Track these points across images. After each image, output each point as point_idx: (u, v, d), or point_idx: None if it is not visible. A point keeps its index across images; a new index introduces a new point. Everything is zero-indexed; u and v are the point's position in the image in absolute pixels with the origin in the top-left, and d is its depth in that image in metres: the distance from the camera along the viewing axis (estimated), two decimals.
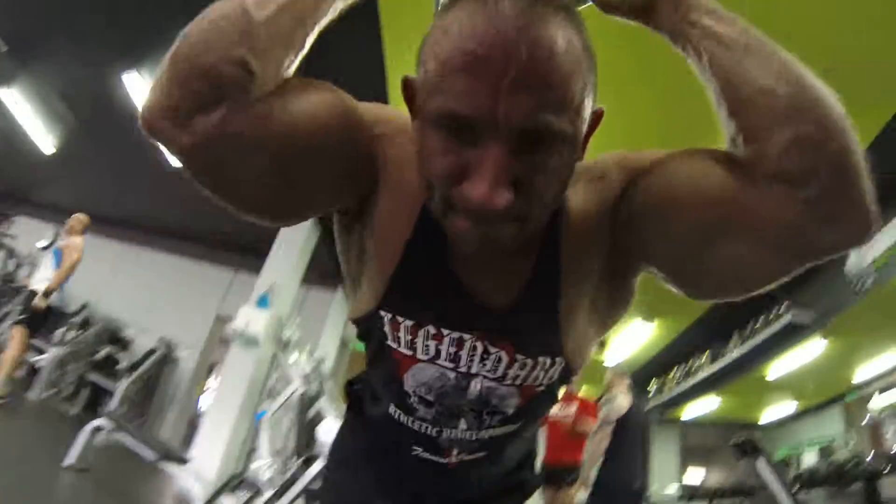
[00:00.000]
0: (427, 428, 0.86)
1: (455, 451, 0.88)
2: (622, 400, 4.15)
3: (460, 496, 0.98)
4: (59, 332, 5.96)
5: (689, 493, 9.45)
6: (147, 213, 7.32)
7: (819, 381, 7.90)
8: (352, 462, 1.05)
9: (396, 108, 0.78)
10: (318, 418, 5.43)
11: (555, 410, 4.54)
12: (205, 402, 8.10)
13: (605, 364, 8.84)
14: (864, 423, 7.52)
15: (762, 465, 3.72)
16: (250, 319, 5.65)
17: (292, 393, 5.45)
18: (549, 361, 0.80)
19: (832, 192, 0.58)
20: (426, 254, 0.75)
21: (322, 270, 7.27)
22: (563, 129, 0.58)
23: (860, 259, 4.63)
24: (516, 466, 1.01)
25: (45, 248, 5.16)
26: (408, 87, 0.68)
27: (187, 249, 7.64)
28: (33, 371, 5.94)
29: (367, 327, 0.83)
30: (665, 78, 3.45)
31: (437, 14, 0.65)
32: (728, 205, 0.63)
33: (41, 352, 5.68)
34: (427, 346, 0.78)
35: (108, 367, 6.31)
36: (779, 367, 7.55)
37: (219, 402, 5.68)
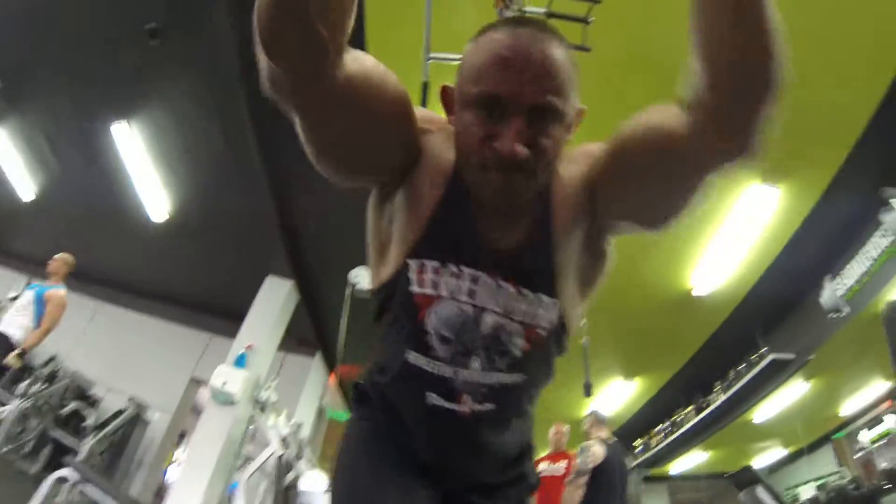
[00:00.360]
0: (443, 368, 0.99)
1: (467, 398, 1.00)
2: (597, 449, 4.01)
3: (472, 464, 1.07)
4: (23, 385, 5.63)
5: None
6: (125, 271, 7.16)
7: (806, 422, 7.91)
8: (366, 438, 1.11)
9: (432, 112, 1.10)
10: (295, 485, 5.23)
11: (544, 466, 4.45)
12: (173, 473, 7.71)
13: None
14: (856, 456, 7.46)
15: (762, 493, 3.66)
16: (227, 378, 5.51)
17: (270, 455, 5.27)
18: (548, 301, 1.00)
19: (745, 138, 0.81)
20: (453, 209, 0.98)
21: (300, 337, 7.23)
22: (560, 107, 0.88)
23: (832, 291, 4.76)
24: (518, 454, 1.13)
25: (13, 299, 4.80)
26: (446, 92, 0.98)
27: (164, 311, 7.45)
28: None
29: (391, 286, 1.02)
30: (661, 77, 3.61)
31: (471, 40, 0.94)
32: (668, 141, 0.87)
33: (2, 404, 5.34)
34: (449, 283, 0.98)
35: (73, 424, 5.96)
36: (764, 412, 7.54)
37: (192, 462, 5.46)
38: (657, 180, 0.92)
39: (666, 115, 0.89)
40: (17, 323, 4.52)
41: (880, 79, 3.77)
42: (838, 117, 4.00)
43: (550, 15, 2.44)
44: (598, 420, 4.35)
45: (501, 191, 0.90)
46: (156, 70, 4.43)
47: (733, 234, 4.97)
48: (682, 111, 0.85)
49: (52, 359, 6.10)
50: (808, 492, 8.41)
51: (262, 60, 0.79)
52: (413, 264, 0.98)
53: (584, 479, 3.93)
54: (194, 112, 4.76)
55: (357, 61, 0.86)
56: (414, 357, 1.00)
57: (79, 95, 4.90)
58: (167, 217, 5.92)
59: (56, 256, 4.82)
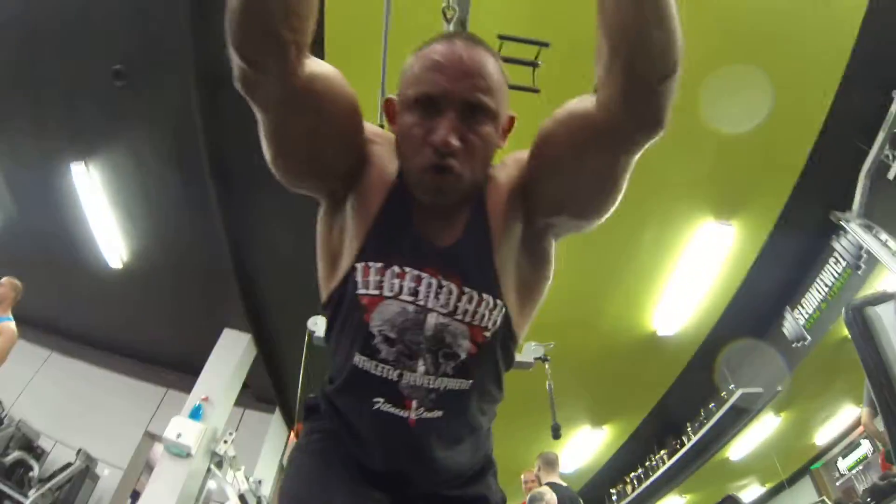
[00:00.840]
0: (389, 371, 0.99)
1: (414, 404, 0.99)
2: (550, 497, 3.77)
3: (423, 476, 1.04)
4: None
5: None
6: (77, 319, 6.86)
7: (782, 456, 7.82)
8: (314, 450, 1.09)
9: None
10: None
11: None
12: None
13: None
14: (837, 483, 7.41)
15: None
16: (182, 430, 5.29)
17: None
18: (491, 301, 1.01)
19: (651, 113, 0.88)
20: (395, 212, 1.02)
21: (259, 393, 7.07)
22: (489, 105, 0.96)
23: (794, 321, 4.83)
24: (479, 470, 1.12)
25: None
26: (389, 103, 1.05)
27: (117, 362, 7.15)
28: None
29: (339, 292, 1.04)
30: None
31: (411, 54, 1.02)
32: (581, 126, 0.94)
33: None
34: (392, 283, 0.99)
35: (17, 475, 5.60)
36: (739, 449, 7.47)
37: None
38: (579, 167, 0.96)
39: (579, 102, 0.96)
40: None
41: (819, 107, 3.92)
42: (781, 149, 4.14)
43: (506, 60, 2.54)
44: (547, 462, 4.21)
45: (434, 188, 0.95)
46: (118, 112, 4.40)
47: (691, 272, 5.05)
48: (595, 99, 0.92)
49: None
50: None
51: (234, 60, 0.88)
52: (359, 267, 1.01)
53: None
54: (155, 157, 4.71)
55: (318, 64, 0.96)
56: (360, 360, 1.00)
57: (40, 132, 4.80)
58: (123, 264, 5.76)
59: (2, 281, 4.33)
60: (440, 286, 0.99)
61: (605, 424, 7.64)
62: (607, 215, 1.03)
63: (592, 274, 4.92)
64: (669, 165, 3.76)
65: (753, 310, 5.41)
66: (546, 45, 2.53)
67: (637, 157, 0.95)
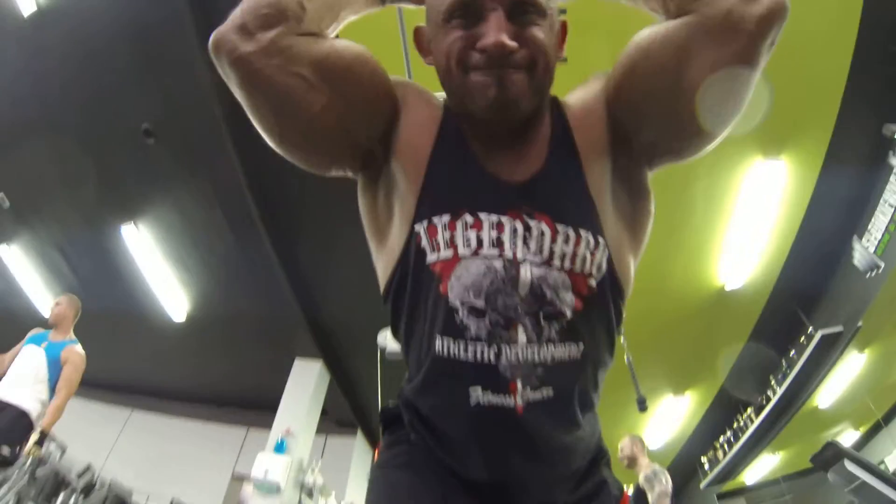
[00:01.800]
0: (483, 351, 0.78)
1: (519, 384, 0.78)
2: (667, 480, 3.76)
3: (538, 475, 0.84)
4: (60, 498, 5.43)
5: None
6: (151, 375, 7.10)
7: (874, 394, 7.48)
8: (397, 466, 0.89)
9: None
10: None
11: None
12: None
13: (647, 446, 8.39)
14: None
15: (853, 467, 3.40)
16: (269, 466, 5.36)
17: None
18: (591, 239, 0.82)
19: None
20: (451, 152, 0.86)
21: (339, 418, 7.11)
22: (541, 4, 0.81)
23: (864, 250, 4.62)
24: (591, 462, 0.91)
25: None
26: (419, 32, 0.92)
27: (196, 411, 7.36)
28: None
29: (401, 269, 0.86)
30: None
31: None
32: (681, 36, 0.79)
33: None
34: (468, 237, 0.80)
35: None
36: (827, 395, 7.18)
37: None
38: (688, 82, 0.79)
39: (670, 22, 0.82)
40: (33, 394, 3.66)
41: (850, 17, 3.74)
42: (820, 70, 3.97)
43: None
44: (637, 441, 4.11)
45: (499, 97, 0.78)
46: (155, 169, 4.53)
47: (749, 217, 4.88)
48: (692, 13, 0.79)
49: (87, 469, 5.93)
50: (892, 460, 7.92)
51: (233, 21, 0.81)
52: (420, 229, 0.82)
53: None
54: (198, 207, 4.84)
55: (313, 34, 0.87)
56: (444, 344, 0.79)
57: (84, 202, 5.00)
58: (187, 315, 5.92)
59: (59, 299, 4.06)
60: (527, 228, 0.80)
61: (688, 390, 7.45)
62: (719, 140, 0.86)
63: (651, 239, 4.80)
64: None
65: (819, 246, 5.20)
66: (563, 11, 2.50)
67: (758, 70, 0.78)
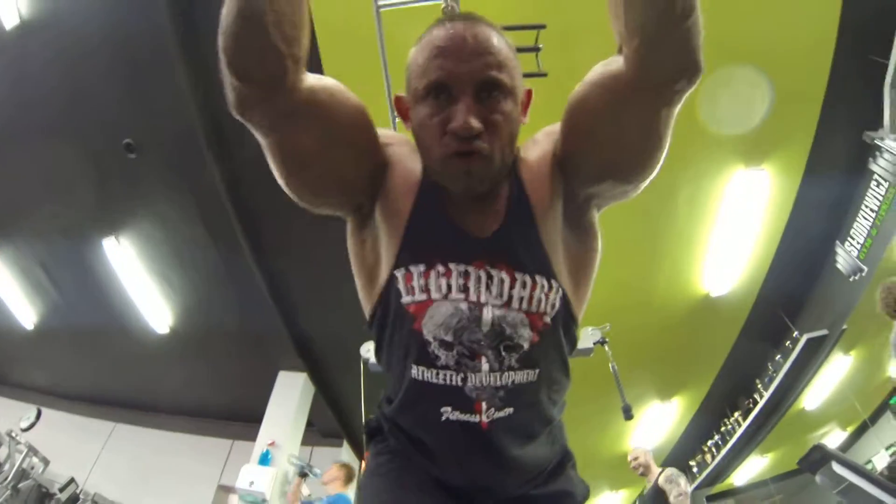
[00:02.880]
0: (451, 376, 0.94)
1: (484, 405, 0.94)
2: (685, 483, 4.02)
3: (503, 480, 0.99)
4: None
5: None
6: (135, 388, 7.01)
7: (860, 395, 7.57)
8: (383, 472, 1.05)
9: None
10: None
11: None
12: None
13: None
14: None
15: (840, 469, 3.42)
16: (254, 478, 5.32)
17: None
18: (546, 283, 0.96)
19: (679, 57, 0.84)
20: (428, 210, 0.97)
21: (324, 430, 7.06)
22: (504, 81, 0.90)
23: (847, 254, 4.66)
24: (557, 464, 1.07)
25: (26, 430, 4.59)
26: (399, 100, 1.01)
27: (180, 424, 7.28)
28: None
29: (383, 305, 0.99)
30: None
31: (413, 46, 0.97)
32: (614, 87, 0.89)
33: None
34: (439, 284, 0.94)
35: None
36: (814, 397, 7.25)
37: None
38: (619, 128, 0.91)
39: (608, 64, 0.93)
40: None
41: (828, 26, 3.75)
42: (799, 80, 3.98)
43: None
44: (646, 451, 4.40)
45: (463, 176, 0.90)
46: (137, 183, 4.48)
47: (732, 226, 4.90)
48: (621, 56, 0.89)
49: (70, 482, 5.86)
50: (882, 460, 7.99)
51: (229, 82, 0.85)
52: (399, 274, 0.96)
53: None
54: (181, 221, 4.77)
55: (319, 78, 0.93)
56: (419, 371, 0.95)
57: (65, 217, 4.92)
58: (170, 328, 5.86)
59: (333, 465, 4.57)
60: (490, 277, 0.95)
61: (675, 396, 7.48)
62: (653, 176, 0.97)
63: (635, 250, 4.82)
64: (688, 120, 3.66)
65: (803, 252, 5.23)
66: (542, 26, 2.51)
67: (678, 108, 0.90)
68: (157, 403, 7.20)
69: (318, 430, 6.94)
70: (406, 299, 0.95)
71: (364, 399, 4.72)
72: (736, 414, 7.37)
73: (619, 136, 0.92)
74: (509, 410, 0.95)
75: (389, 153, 1.02)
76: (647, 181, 0.98)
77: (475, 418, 0.94)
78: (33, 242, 5.34)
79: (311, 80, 0.91)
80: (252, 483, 5.22)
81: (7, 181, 4.68)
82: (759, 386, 6.75)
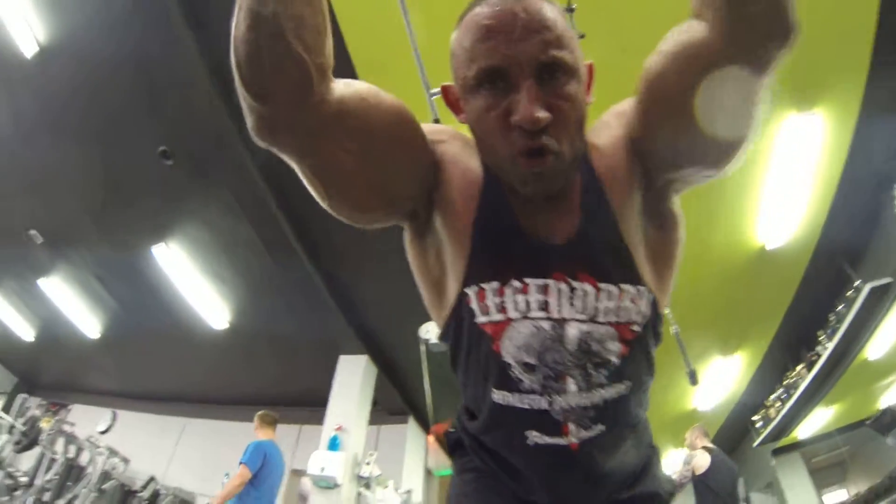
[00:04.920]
0: (536, 401, 0.87)
1: (572, 427, 0.87)
2: (700, 459, 4.18)
3: (594, 495, 0.94)
4: None
5: None
6: (200, 383, 7.34)
7: None
8: (470, 491, 1.01)
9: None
10: None
11: None
12: None
13: (698, 409, 8.31)
14: None
15: None
16: (324, 463, 5.49)
17: None
18: (632, 290, 0.87)
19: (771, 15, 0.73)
20: (495, 218, 0.87)
21: (389, 407, 7.20)
22: (566, 59, 0.78)
23: None
24: (644, 465, 1.02)
25: (104, 432, 4.95)
26: (447, 91, 0.90)
27: (247, 414, 7.54)
28: None
29: (456, 323, 0.91)
30: None
31: (454, 29, 0.86)
32: (698, 56, 0.78)
33: None
34: (516, 301, 0.86)
35: None
36: (879, 346, 6.97)
37: None
38: (705, 104, 0.79)
39: (687, 30, 0.81)
40: None
41: None
42: (848, 12, 3.73)
43: None
44: (702, 433, 4.56)
45: (533, 177, 0.80)
46: (177, 188, 4.59)
47: (786, 174, 4.69)
48: (702, 21, 0.79)
49: (150, 480, 6.21)
50: None
51: (248, 105, 0.77)
52: (471, 293, 0.88)
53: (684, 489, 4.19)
54: (225, 221, 4.89)
55: (347, 85, 0.83)
56: (500, 396, 0.89)
57: (113, 229, 5.14)
58: (229, 324, 6.05)
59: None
60: (572, 290, 0.85)
61: (736, 351, 7.31)
62: (742, 158, 0.86)
63: (687, 206, 4.68)
64: None
65: (862, 198, 4.98)
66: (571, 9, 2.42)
67: (770, 77, 0.79)
68: (223, 396, 7.49)
69: (384, 409, 7.06)
70: (481, 319, 0.88)
71: (427, 377, 4.79)
72: (799, 367, 7.17)
73: (706, 113, 0.79)
74: (600, 428, 0.88)
75: (441, 152, 0.92)
76: (736, 164, 0.87)
77: (564, 441, 0.87)
78: (86, 257, 5.62)
79: (339, 88, 0.81)
80: (323, 469, 5.40)
81: (53, 203, 4.90)
82: (822, 338, 6.54)
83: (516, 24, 0.77)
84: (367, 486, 5.75)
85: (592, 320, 0.86)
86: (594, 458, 0.89)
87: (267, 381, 7.11)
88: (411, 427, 7.52)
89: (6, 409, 7.51)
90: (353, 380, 6.23)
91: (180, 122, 4.09)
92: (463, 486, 1.02)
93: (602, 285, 0.86)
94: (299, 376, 6.88)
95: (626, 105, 0.93)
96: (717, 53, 0.76)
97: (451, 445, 1.07)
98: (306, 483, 6.53)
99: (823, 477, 9.32)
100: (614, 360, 0.87)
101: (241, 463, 4.31)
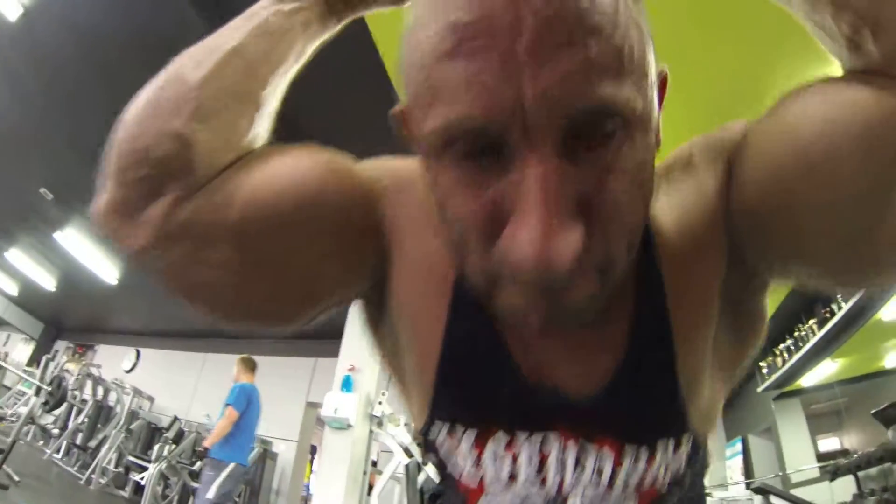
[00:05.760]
0: None
1: None
2: None
3: None
4: (155, 449, 6.14)
5: (833, 470, 8.71)
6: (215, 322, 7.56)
7: None
8: None
9: (409, 158, 0.57)
10: (428, 484, 5.39)
11: None
12: (313, 484, 8.19)
13: None
14: None
15: None
16: (337, 405, 5.69)
17: (397, 466, 5.46)
18: (672, 444, 0.56)
19: None
20: (471, 333, 0.55)
21: None
22: (629, 99, 0.38)
23: None
24: None
25: (129, 371, 5.37)
26: (401, 120, 0.50)
27: (265, 347, 7.81)
28: (139, 488, 6.16)
29: (427, 445, 0.63)
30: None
31: (408, 14, 0.45)
32: (877, 136, 0.44)
33: (143, 469, 5.87)
34: (499, 466, 0.56)
35: None
36: (892, 309, 6.92)
37: (320, 489, 5.77)
38: (873, 191, 0.45)
39: (840, 90, 0.48)
40: None
41: None
42: None
43: None
44: None
45: (546, 322, 0.45)
46: None
47: None
48: (882, 78, 0.46)
49: (174, 420, 6.55)
50: None
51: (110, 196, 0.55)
52: (440, 429, 0.59)
53: None
54: None
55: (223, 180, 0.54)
56: None
57: None
58: None
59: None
60: (582, 455, 0.55)
61: None
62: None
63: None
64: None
65: None
66: None
67: None
68: (241, 330, 7.68)
69: None
70: (450, 471, 0.60)
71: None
72: (811, 321, 7.18)
73: (871, 202, 0.46)
74: None
75: (390, 218, 0.59)
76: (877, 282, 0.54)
77: None
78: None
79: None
80: (336, 410, 5.60)
81: (59, 162, 4.90)
82: (838, 296, 6.49)
83: (523, 19, 0.35)
84: (380, 424, 5.96)
85: (607, 492, 0.58)
86: None
87: None
88: None
89: (33, 362, 7.89)
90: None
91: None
92: None
93: (629, 448, 0.56)
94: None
95: (728, 139, 0.57)
96: None
97: None
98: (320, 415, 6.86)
99: (820, 424, 9.56)
100: None
101: (227, 404, 4.59)
